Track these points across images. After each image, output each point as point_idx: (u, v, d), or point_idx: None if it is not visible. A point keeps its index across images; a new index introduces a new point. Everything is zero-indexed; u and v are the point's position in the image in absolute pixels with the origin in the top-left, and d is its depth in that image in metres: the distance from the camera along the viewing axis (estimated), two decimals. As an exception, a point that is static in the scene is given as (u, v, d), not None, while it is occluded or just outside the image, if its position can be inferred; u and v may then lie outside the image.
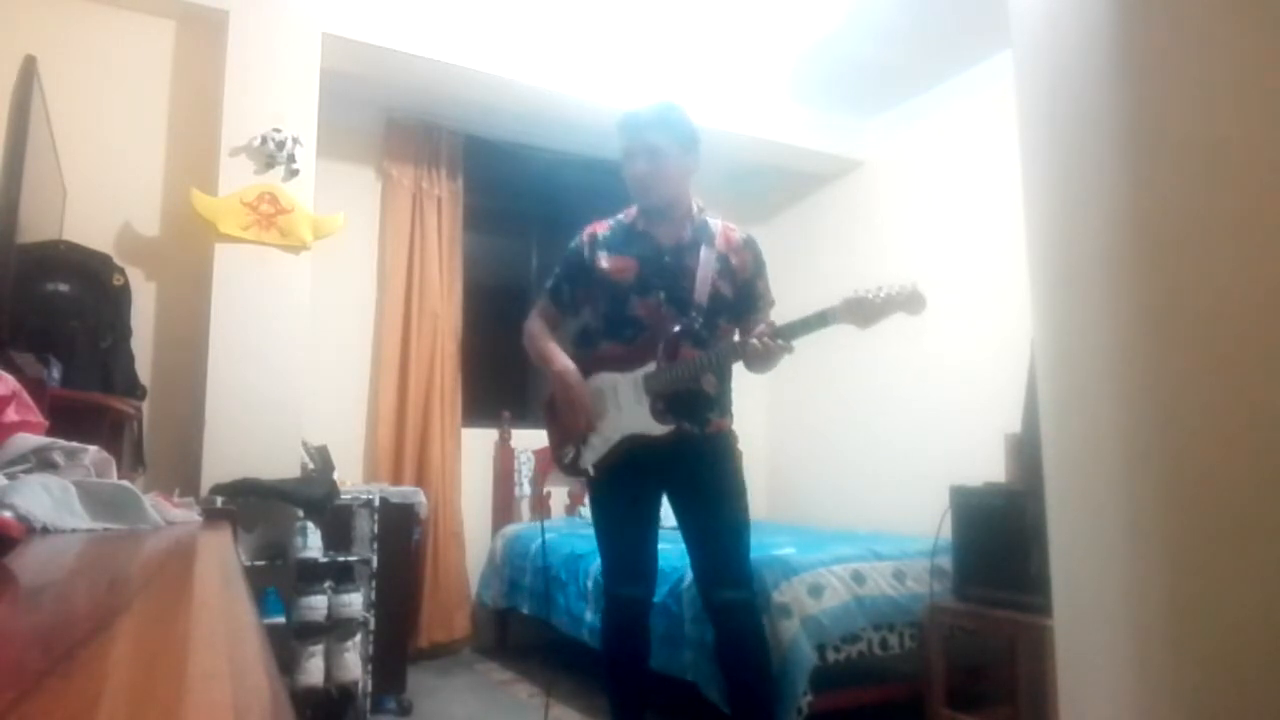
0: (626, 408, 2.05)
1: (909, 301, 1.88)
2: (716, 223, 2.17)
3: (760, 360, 1.96)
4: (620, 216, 2.21)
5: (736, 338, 2.09)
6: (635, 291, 2.09)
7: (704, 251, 2.10)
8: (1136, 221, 1.37)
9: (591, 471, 2.10)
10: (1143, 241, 1.36)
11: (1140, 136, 1.37)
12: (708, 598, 2.11)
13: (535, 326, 2.20)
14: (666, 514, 2.19)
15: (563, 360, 2.12)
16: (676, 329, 2.05)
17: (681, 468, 2.07)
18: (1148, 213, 1.36)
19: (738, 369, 2.15)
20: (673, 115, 2.13)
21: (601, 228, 2.20)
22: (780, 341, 1.92)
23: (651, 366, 2.03)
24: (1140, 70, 1.38)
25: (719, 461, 2.10)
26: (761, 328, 1.99)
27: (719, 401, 2.11)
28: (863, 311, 1.89)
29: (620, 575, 2.16)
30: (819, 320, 1.92)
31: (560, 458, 2.20)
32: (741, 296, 2.13)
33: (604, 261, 2.13)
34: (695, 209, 2.16)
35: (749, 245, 2.18)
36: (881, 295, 1.87)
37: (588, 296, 2.17)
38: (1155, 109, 1.36)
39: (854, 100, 4.07)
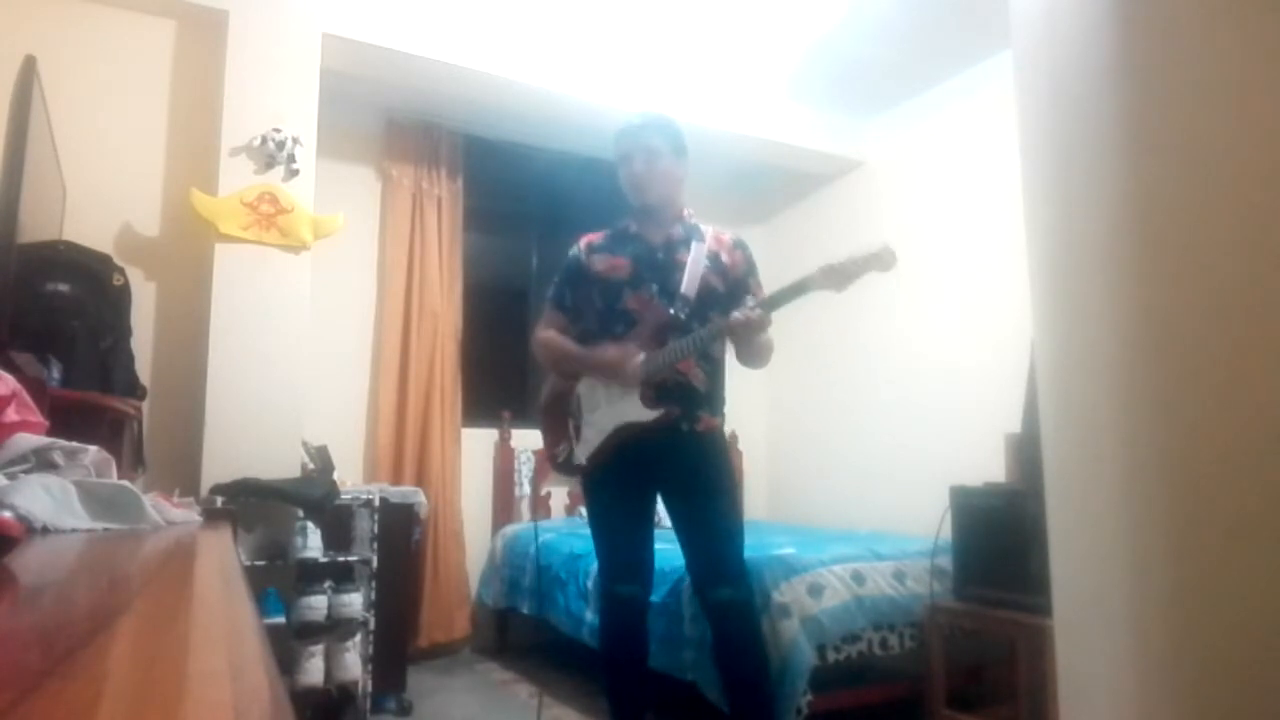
0: (618, 399, 2.08)
1: (879, 258, 1.92)
2: (707, 227, 2.24)
3: (744, 336, 2.00)
4: (614, 226, 2.28)
5: None
6: (629, 285, 2.14)
7: (694, 247, 2.17)
8: (1136, 221, 1.37)
9: (584, 462, 2.11)
10: (1142, 241, 1.36)
11: (1140, 136, 1.37)
12: (703, 597, 2.12)
13: (550, 336, 2.23)
14: (662, 514, 2.20)
15: (582, 349, 2.15)
16: (665, 321, 2.09)
17: (674, 465, 2.10)
18: (1147, 212, 1.36)
19: (731, 368, 2.18)
20: (667, 123, 2.23)
21: (597, 237, 2.27)
22: (759, 312, 1.96)
23: (641, 357, 2.06)
24: (1140, 70, 1.38)
25: (711, 460, 2.13)
26: (744, 300, 2.05)
27: (710, 399, 2.14)
28: (837, 275, 1.94)
29: (617, 573, 2.17)
30: (797, 288, 1.97)
31: (554, 457, 2.22)
32: (732, 292, 2.17)
33: (599, 264, 2.19)
34: (685, 214, 2.24)
35: (740, 245, 2.25)
36: (853, 258, 1.93)
37: (586, 300, 2.21)
38: (1155, 109, 1.36)
39: (854, 100, 4.07)
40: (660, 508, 2.22)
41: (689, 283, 2.11)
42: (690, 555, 2.14)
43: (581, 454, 2.13)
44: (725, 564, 2.08)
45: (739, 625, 2.09)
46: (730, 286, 2.17)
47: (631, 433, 2.06)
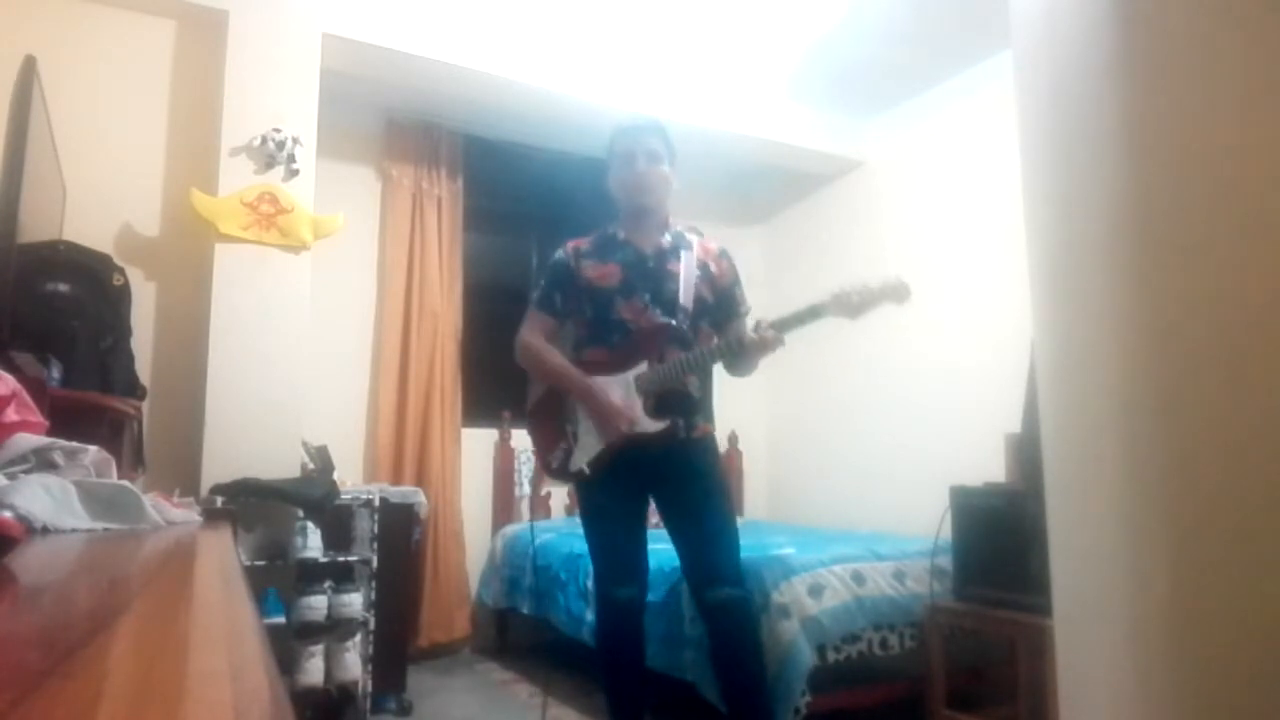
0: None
1: (894, 292, 1.97)
2: (692, 236, 2.26)
3: (751, 355, 2.03)
4: (599, 232, 2.27)
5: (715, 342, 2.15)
6: (620, 294, 2.14)
7: (684, 256, 2.18)
8: (1136, 221, 1.37)
9: (587, 470, 2.11)
10: (1142, 241, 1.36)
11: (1140, 136, 1.37)
12: (701, 597, 2.12)
13: (534, 341, 2.20)
14: (654, 512, 2.20)
15: (580, 377, 2.11)
16: (663, 331, 2.09)
17: (669, 471, 2.11)
18: (1147, 213, 1.36)
19: (717, 376, 2.21)
20: (664, 128, 2.26)
21: (583, 242, 2.26)
22: (773, 332, 2.00)
23: (642, 367, 2.07)
24: (1140, 70, 1.38)
25: (705, 464, 2.14)
26: (757, 321, 2.06)
27: (703, 406, 2.17)
28: (850, 304, 1.99)
29: (614, 576, 2.17)
30: (810, 314, 2.01)
31: (548, 463, 2.21)
32: (721, 302, 2.20)
33: (588, 270, 2.18)
34: (671, 222, 2.26)
35: (725, 254, 2.29)
36: (868, 288, 1.97)
37: (575, 305, 2.20)
38: (1155, 109, 1.36)
39: (854, 100, 4.07)
40: (651, 508, 2.23)
41: (685, 292, 2.12)
42: (687, 558, 2.14)
43: (581, 459, 2.11)
44: (722, 566, 2.08)
45: (736, 626, 2.09)
46: (718, 296, 2.20)
47: (633, 441, 2.06)
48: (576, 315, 2.20)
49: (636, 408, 2.06)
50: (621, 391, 2.07)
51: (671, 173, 2.22)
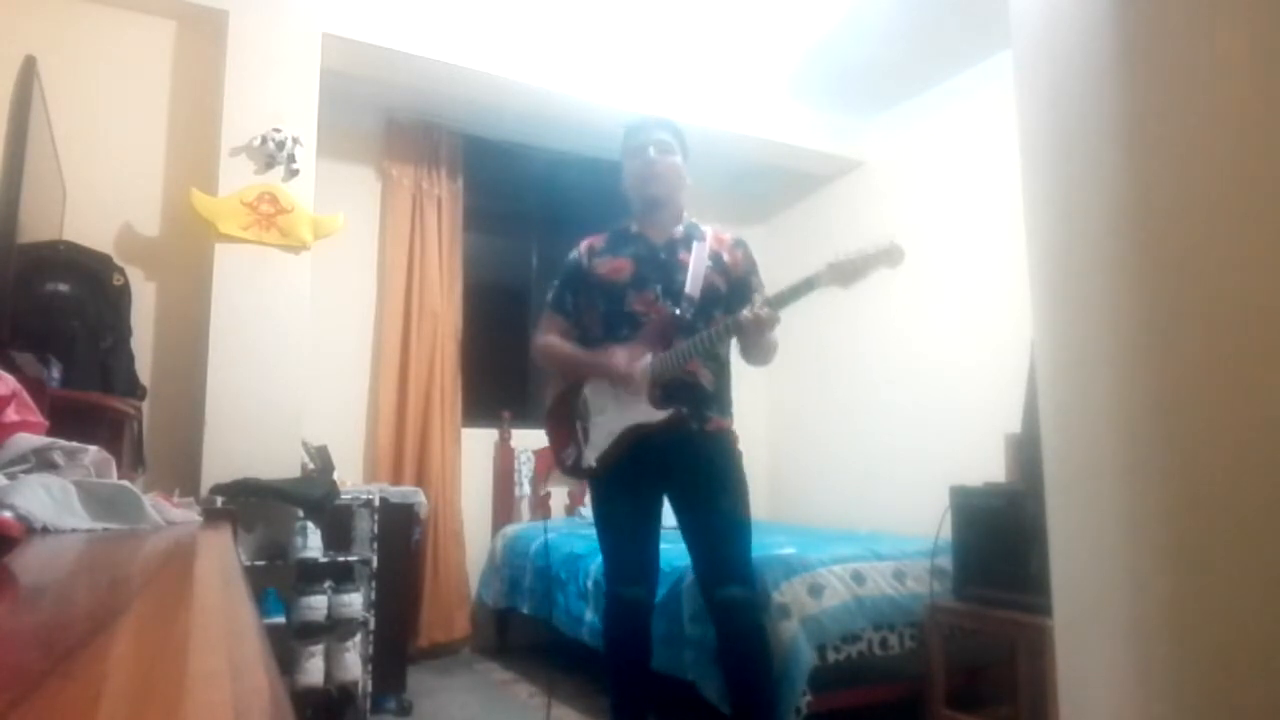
0: (626, 401, 2.07)
1: (888, 255, 1.93)
2: (706, 227, 2.26)
3: (748, 334, 2.01)
4: (613, 228, 2.28)
5: None
6: (632, 287, 2.14)
7: (696, 246, 2.17)
8: (1136, 222, 1.37)
9: (595, 465, 2.11)
10: (1142, 241, 1.36)
11: (1140, 136, 1.37)
12: (710, 596, 2.11)
13: (551, 341, 2.23)
14: (667, 514, 2.19)
15: (587, 353, 2.15)
16: (670, 321, 2.09)
17: (683, 465, 2.09)
18: (1147, 212, 1.36)
19: (736, 368, 2.18)
20: (675, 124, 2.28)
21: (597, 240, 2.27)
22: (768, 310, 1.97)
23: (648, 359, 2.06)
24: (1141, 70, 1.38)
25: (720, 460, 2.12)
26: (752, 299, 2.05)
27: (718, 399, 2.14)
28: (845, 272, 1.95)
29: (623, 575, 2.16)
30: (805, 286, 1.98)
31: (562, 460, 2.21)
32: (735, 291, 2.18)
33: (601, 267, 2.19)
34: (685, 215, 2.26)
35: (740, 244, 2.27)
36: (861, 253, 1.94)
37: (588, 303, 2.21)
38: (1155, 109, 1.36)
39: (854, 100, 4.07)
40: (665, 508, 2.22)
41: (693, 283, 2.12)
42: (697, 555, 2.13)
43: (590, 456, 2.12)
44: (733, 563, 2.07)
45: (745, 625, 2.08)
46: (732, 285, 2.18)
47: (641, 434, 2.06)
48: (590, 311, 2.21)
49: (642, 398, 2.04)
50: (626, 354, 2.07)
51: (683, 165, 2.23)
